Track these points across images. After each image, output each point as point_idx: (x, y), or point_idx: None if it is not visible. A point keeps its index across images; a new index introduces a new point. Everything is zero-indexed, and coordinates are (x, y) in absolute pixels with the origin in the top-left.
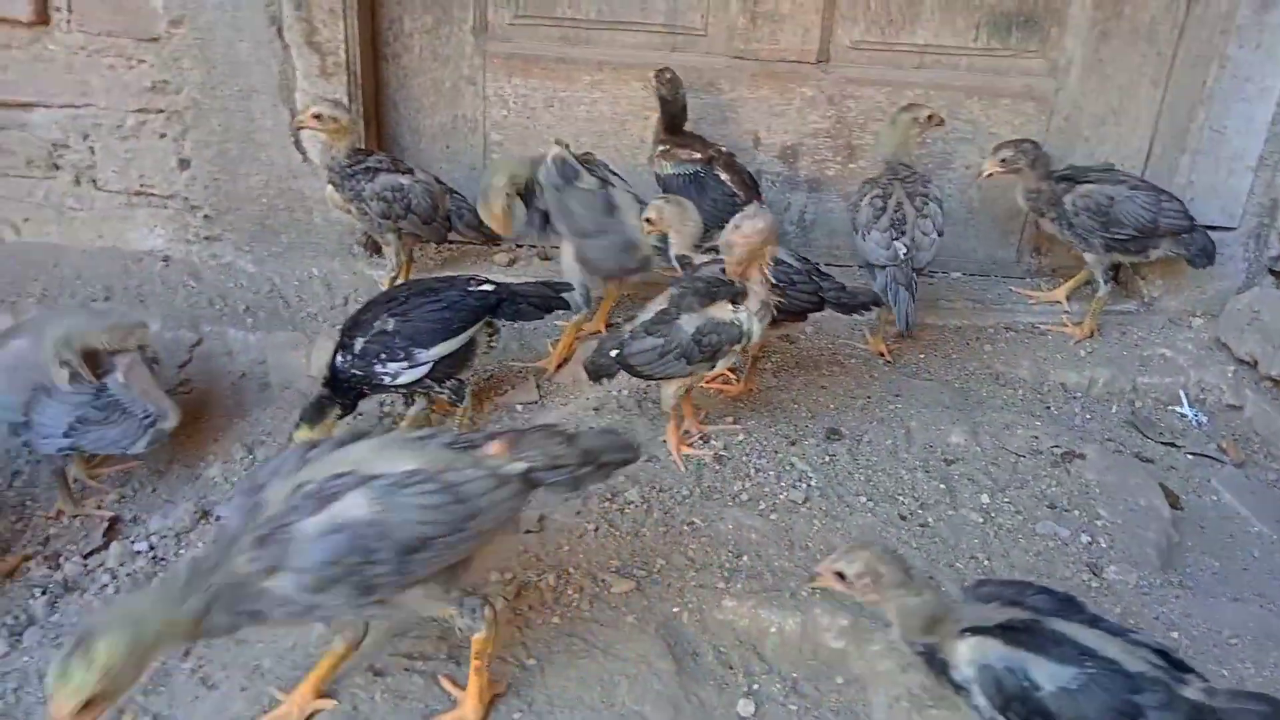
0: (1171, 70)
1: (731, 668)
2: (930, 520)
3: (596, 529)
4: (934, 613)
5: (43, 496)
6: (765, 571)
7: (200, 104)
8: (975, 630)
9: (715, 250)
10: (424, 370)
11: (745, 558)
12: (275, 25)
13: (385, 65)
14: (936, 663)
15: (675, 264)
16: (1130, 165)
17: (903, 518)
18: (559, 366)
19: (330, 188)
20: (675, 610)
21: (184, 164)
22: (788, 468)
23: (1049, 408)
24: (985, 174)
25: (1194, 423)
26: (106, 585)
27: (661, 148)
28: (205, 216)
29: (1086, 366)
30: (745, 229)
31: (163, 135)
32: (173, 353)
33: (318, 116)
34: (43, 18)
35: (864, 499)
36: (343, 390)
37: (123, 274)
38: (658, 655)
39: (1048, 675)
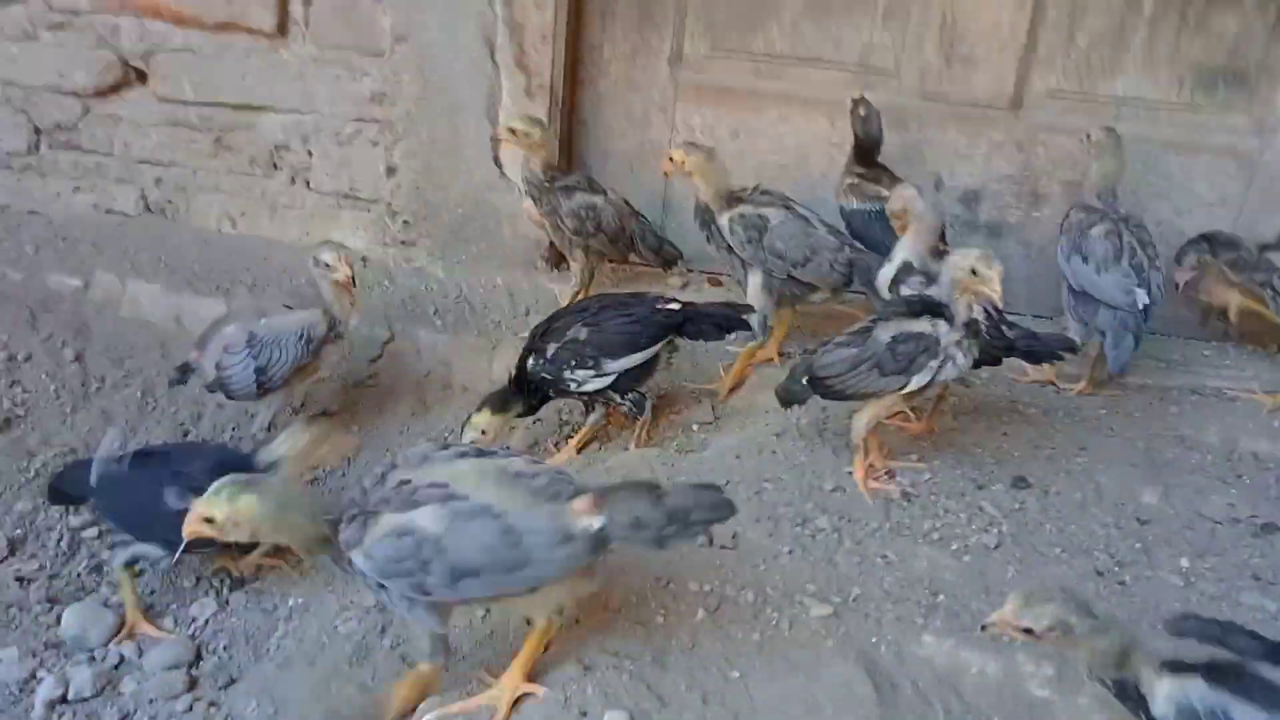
0: None
1: (931, 704)
2: (1128, 579)
3: (790, 552)
4: (1124, 646)
5: None
6: (963, 612)
7: (412, 116)
8: (1177, 668)
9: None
10: (609, 380)
11: (942, 596)
12: (489, 47)
13: (582, 90)
14: (1132, 696)
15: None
16: None
17: (1099, 573)
18: (731, 390)
19: (529, 201)
20: (874, 641)
21: (391, 171)
22: (977, 511)
23: (1241, 476)
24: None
25: None
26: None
27: (849, 180)
28: (405, 222)
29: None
30: (992, 269)
31: (375, 144)
32: (366, 347)
33: (512, 130)
34: (282, 29)
35: (1058, 550)
36: (529, 391)
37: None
38: (859, 682)
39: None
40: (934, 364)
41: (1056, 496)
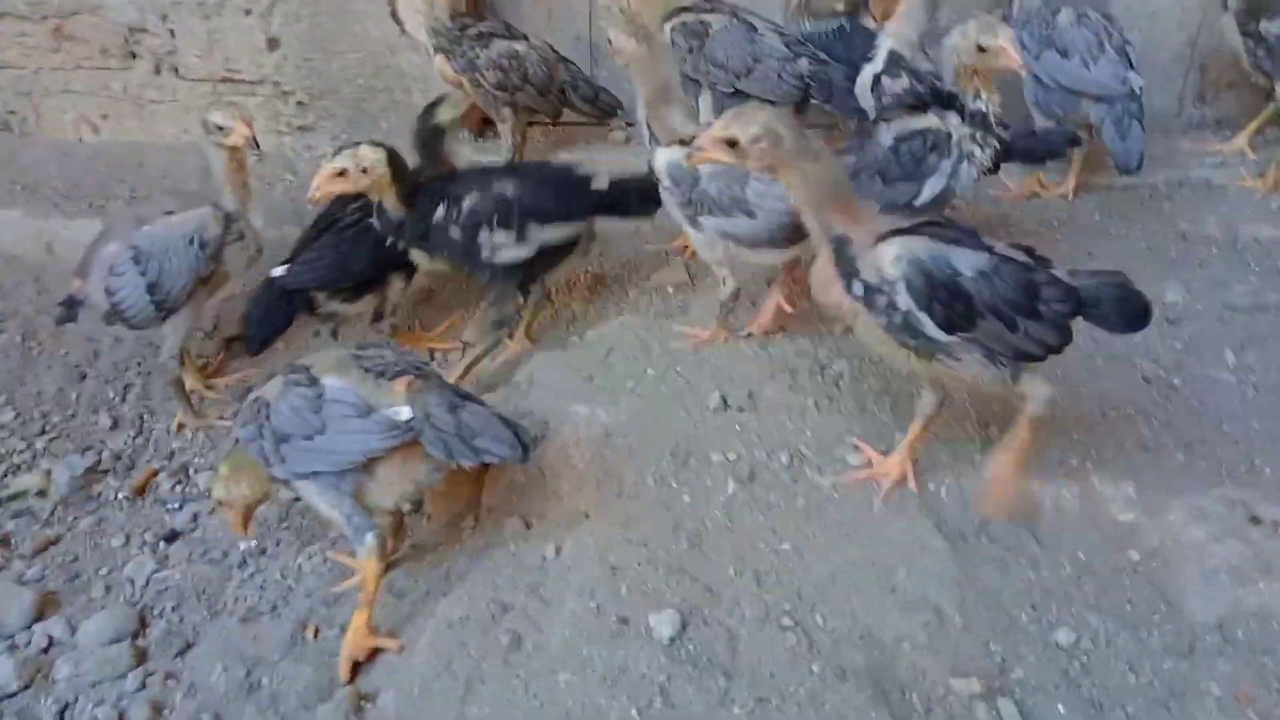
0: None
1: (1009, 548)
2: (1178, 382)
3: (816, 404)
4: (840, 181)
5: (160, 410)
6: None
7: None
8: (897, 232)
9: None
10: (527, 253)
11: (993, 428)
12: None
13: None
14: (845, 264)
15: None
16: None
17: (1146, 380)
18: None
19: (440, 58)
20: (932, 487)
21: (273, 44)
22: None
23: (1249, 264)
24: None
25: None
26: None
27: None
28: (299, 103)
29: None
30: (1000, 37)
31: (248, 11)
32: (278, 252)
33: None
34: None
35: (1099, 360)
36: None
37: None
38: (928, 533)
39: (967, 263)
40: (947, 164)
41: None
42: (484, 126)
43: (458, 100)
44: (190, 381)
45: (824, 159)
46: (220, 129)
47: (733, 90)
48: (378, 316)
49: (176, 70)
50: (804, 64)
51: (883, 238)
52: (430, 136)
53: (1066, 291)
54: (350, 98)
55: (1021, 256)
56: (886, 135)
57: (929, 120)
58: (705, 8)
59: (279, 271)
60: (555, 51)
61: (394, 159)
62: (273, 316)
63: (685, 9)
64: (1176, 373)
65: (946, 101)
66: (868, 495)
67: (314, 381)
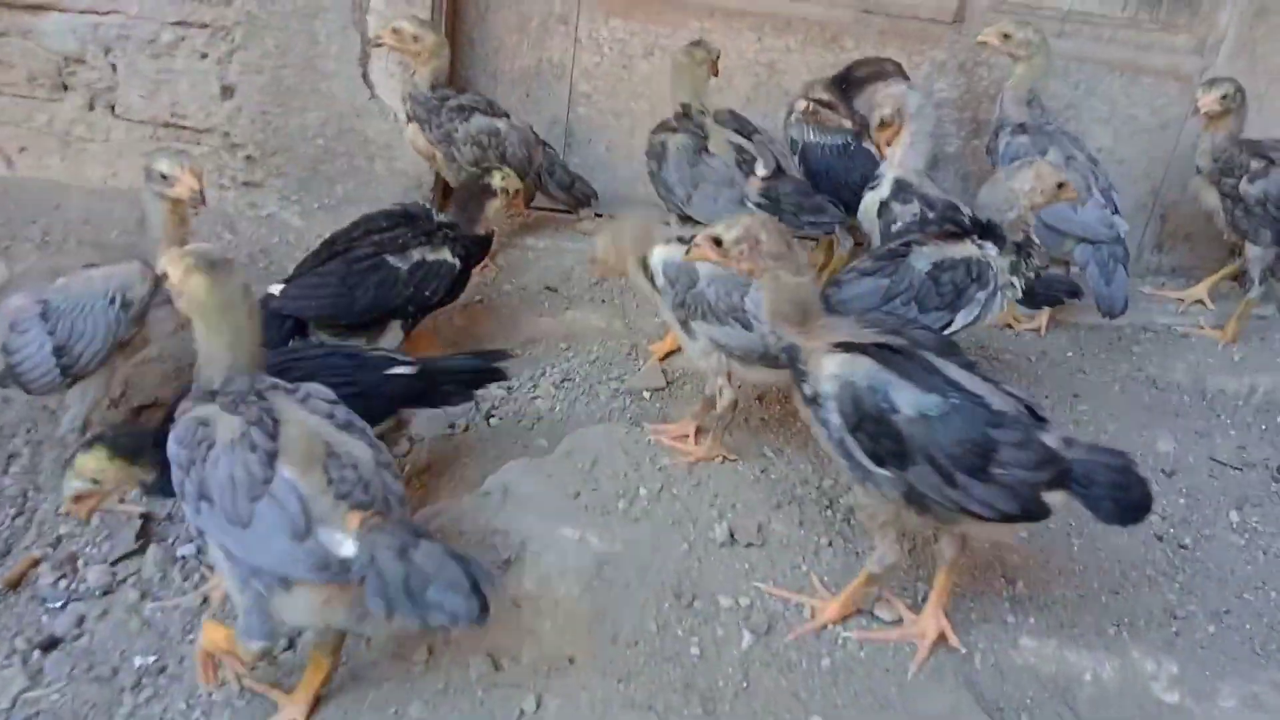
0: None
1: None
2: (1188, 543)
3: (830, 543)
4: (808, 300)
5: (48, 485)
6: (1052, 604)
7: (254, 19)
8: (848, 347)
9: None
10: None
11: (1021, 585)
12: None
13: None
14: (796, 370)
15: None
16: None
17: (1159, 538)
18: (668, 354)
19: (412, 127)
20: (964, 652)
21: (228, 92)
22: None
23: (1220, 416)
24: (1203, 110)
25: None
26: (142, 598)
27: (803, 105)
28: (248, 157)
29: (1244, 373)
30: (1046, 175)
31: (204, 55)
32: None
33: (397, 32)
34: None
35: None
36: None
37: (141, 220)
38: (969, 709)
39: (909, 401)
40: (983, 294)
41: None
42: (444, 202)
43: (513, 175)
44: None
45: (803, 272)
46: (164, 178)
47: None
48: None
49: (113, 109)
50: (752, 187)
51: (832, 349)
52: (476, 192)
53: (1041, 460)
54: (306, 157)
55: (1004, 404)
56: (922, 261)
57: (968, 249)
58: (673, 126)
59: (275, 289)
60: (535, 134)
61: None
62: (273, 343)
63: (662, 125)
64: (1185, 530)
65: (984, 231)
66: (898, 657)
67: (270, 458)
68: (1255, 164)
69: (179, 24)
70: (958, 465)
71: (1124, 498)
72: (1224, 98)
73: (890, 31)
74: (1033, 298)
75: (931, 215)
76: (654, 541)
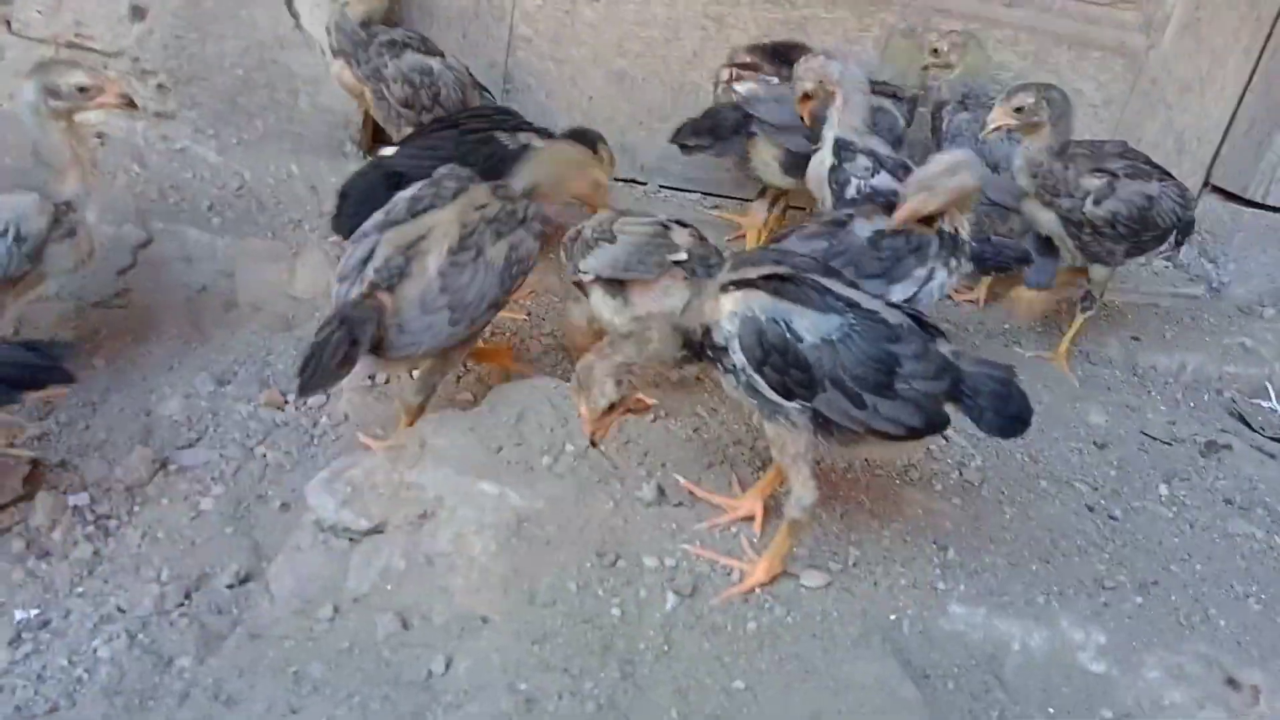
0: (1270, 38)
1: (975, 696)
2: (1118, 514)
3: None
4: (675, 322)
5: None
6: (982, 571)
7: None
8: (738, 284)
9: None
10: None
11: (952, 551)
12: None
13: None
14: (698, 341)
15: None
16: (1205, 138)
17: (1090, 508)
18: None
19: (339, 62)
20: (893, 618)
21: (138, 13)
22: (942, 440)
23: (1150, 391)
24: (993, 127)
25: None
26: (27, 549)
27: (726, 73)
28: (159, 86)
29: (1174, 351)
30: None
31: None
32: (113, 254)
33: None
34: None
35: (1042, 482)
36: None
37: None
38: (897, 679)
39: (810, 326)
40: (921, 273)
41: None
42: (373, 144)
43: None
44: None
45: (664, 317)
46: (83, 90)
47: None
48: None
49: (9, 24)
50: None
51: (724, 288)
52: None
53: (939, 369)
54: (223, 89)
55: (897, 318)
56: (865, 228)
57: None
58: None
59: (388, 151)
60: (472, 76)
61: None
62: (373, 200)
63: None
64: (1115, 502)
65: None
66: (826, 622)
67: None
68: (1095, 182)
69: None
70: (864, 385)
71: (1005, 408)
72: (1018, 111)
73: None
74: (982, 263)
75: (884, 170)
76: (578, 499)
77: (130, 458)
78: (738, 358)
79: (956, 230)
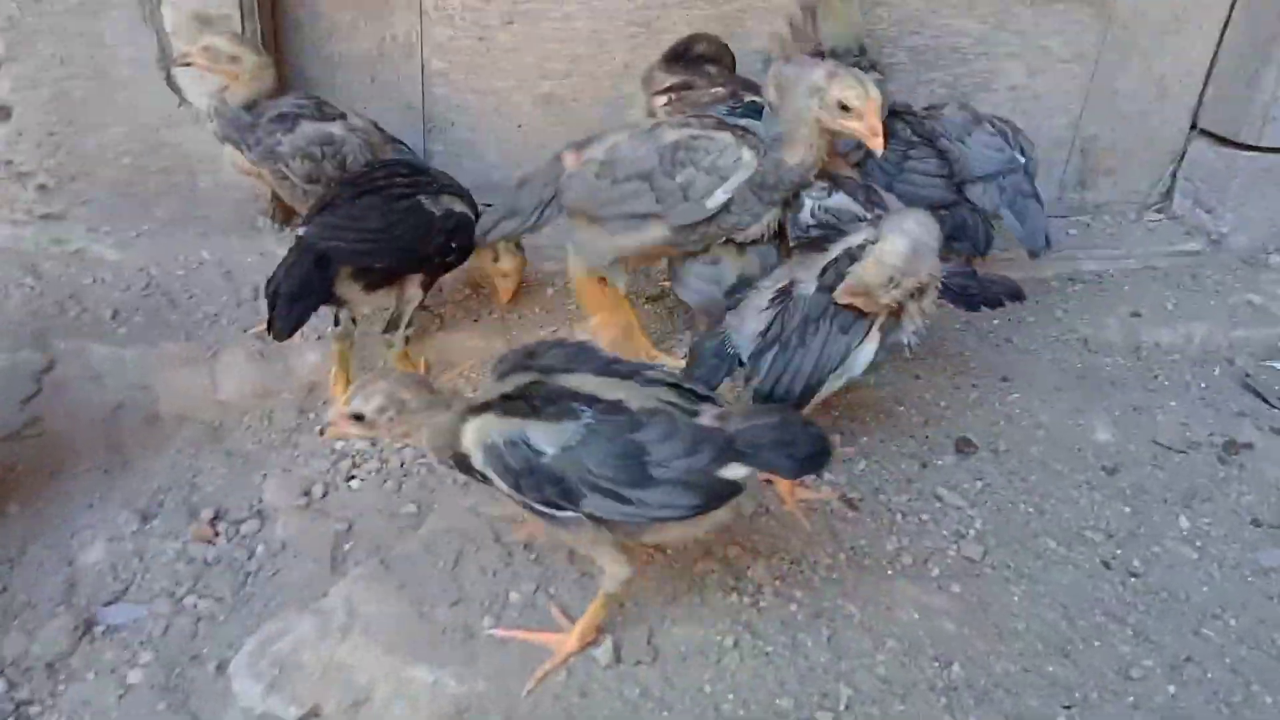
0: None
1: None
2: (1138, 565)
3: (735, 644)
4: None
5: None
6: (994, 688)
7: (19, 24)
8: (476, 410)
9: None
10: None
11: (957, 667)
12: None
13: None
14: (466, 464)
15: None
16: (1188, 80)
17: (1106, 565)
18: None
19: (228, 147)
20: None
21: (3, 113)
22: (937, 504)
23: (1157, 376)
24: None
25: None
26: None
27: (663, 101)
28: (40, 186)
29: (1178, 322)
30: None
31: None
32: (12, 383)
33: (209, 50)
34: None
35: (1051, 542)
36: None
37: None
38: None
39: (547, 438)
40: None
41: (1013, 458)
42: (290, 216)
43: None
44: None
45: (450, 404)
46: None
47: None
48: (391, 326)
49: None
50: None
51: (465, 415)
52: None
53: (694, 443)
54: (113, 180)
55: (641, 401)
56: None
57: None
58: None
59: (306, 231)
60: (381, 130)
61: None
62: (308, 290)
63: None
64: (1134, 548)
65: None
66: None
67: None
68: None
69: None
70: (618, 483)
71: (795, 453)
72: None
73: None
74: (969, 301)
75: (841, 191)
76: (524, 669)
77: (51, 626)
78: (499, 483)
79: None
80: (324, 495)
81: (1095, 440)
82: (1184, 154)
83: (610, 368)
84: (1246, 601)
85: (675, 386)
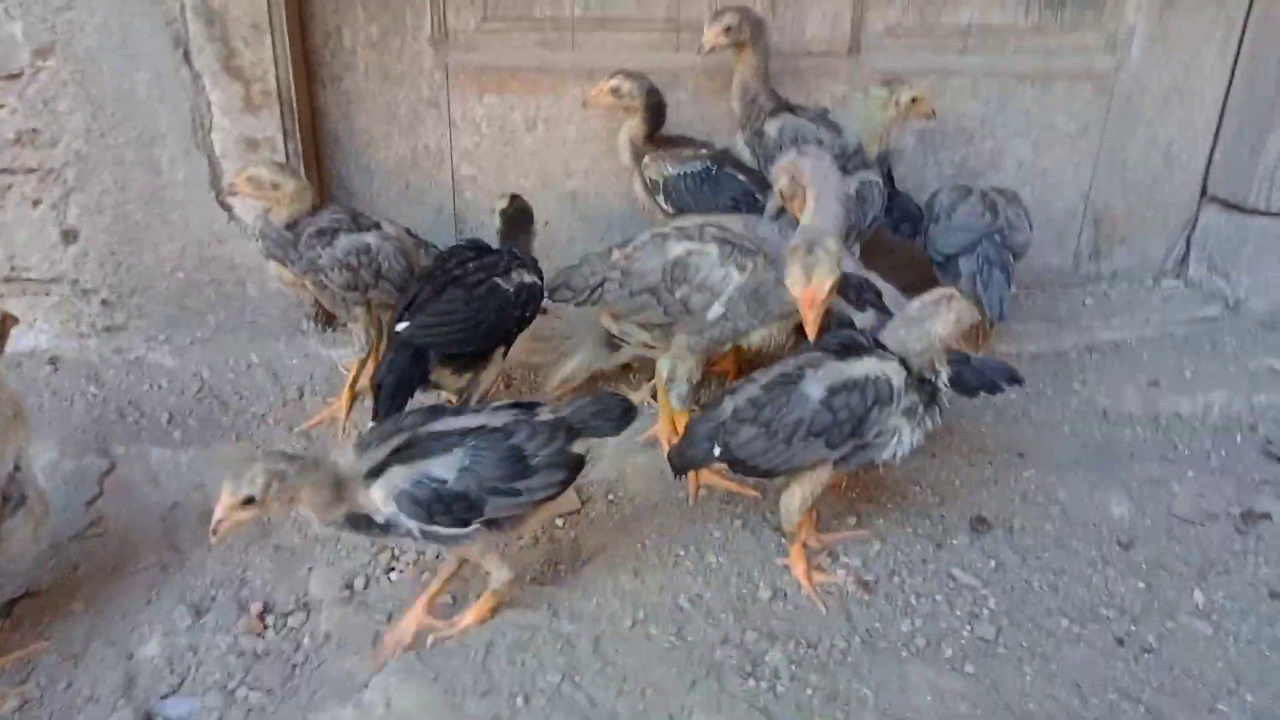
0: (1244, 36)
1: None
2: (1152, 641)
3: None
4: (338, 474)
5: None
6: None
7: (85, 157)
8: (375, 471)
9: None
10: None
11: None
12: (181, 48)
13: (323, 91)
14: (361, 522)
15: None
16: (1194, 148)
17: (1120, 642)
18: None
19: (273, 263)
20: None
21: (69, 236)
22: (950, 584)
23: (1176, 446)
24: (706, 49)
25: None
26: None
27: (651, 153)
28: (103, 302)
29: (1197, 390)
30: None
31: (37, 202)
32: (77, 486)
33: (253, 180)
34: None
35: (1065, 621)
36: None
37: None
38: None
39: (446, 466)
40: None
41: (1027, 536)
42: (330, 320)
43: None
44: None
45: (320, 463)
46: None
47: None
48: (464, 399)
49: None
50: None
51: (365, 480)
52: (524, 215)
53: (551, 432)
54: (169, 293)
55: (499, 419)
56: (816, 387)
57: (867, 366)
58: None
59: (403, 326)
60: (414, 236)
61: None
62: (409, 378)
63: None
64: (1147, 624)
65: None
66: None
67: None
68: None
69: (3, 172)
70: (509, 478)
71: (611, 415)
72: (727, 29)
73: (784, 70)
74: (967, 387)
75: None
76: None
77: (113, 717)
78: (411, 524)
79: (936, 375)
80: (365, 587)
81: (1111, 515)
82: (1196, 220)
83: (460, 411)
84: (1264, 676)
85: (511, 405)
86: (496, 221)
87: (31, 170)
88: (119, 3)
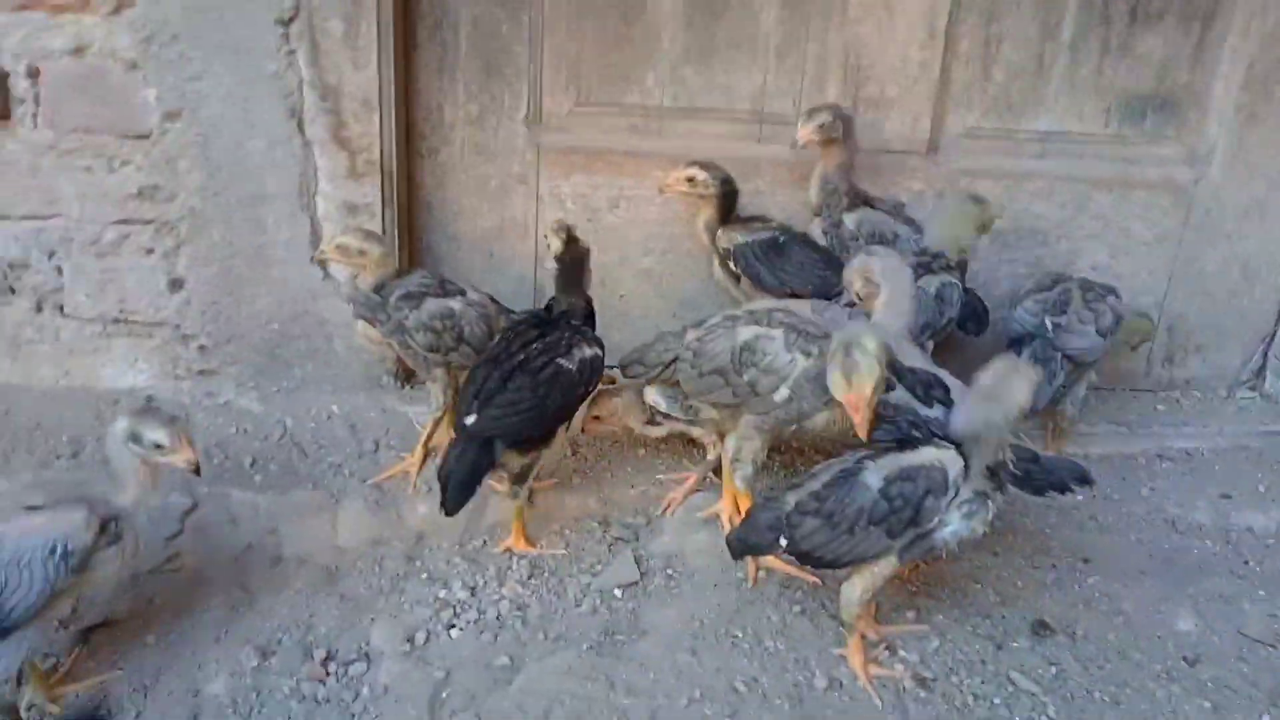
0: None
1: None
2: None
3: None
4: None
5: None
6: None
7: (199, 213)
8: None
9: None
10: None
11: None
12: (295, 119)
13: (421, 163)
14: None
15: None
16: (1273, 263)
17: None
18: None
19: (361, 323)
20: None
21: (176, 285)
22: (1009, 688)
23: (1248, 563)
24: (801, 144)
25: None
26: None
27: (721, 232)
28: (200, 348)
29: (1271, 506)
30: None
31: (150, 251)
32: (160, 522)
33: (342, 249)
34: (3, 111)
35: None
36: None
37: (95, 421)
38: None
39: None
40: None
41: (1090, 645)
42: (410, 376)
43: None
44: (31, 693)
45: None
46: (158, 447)
47: None
48: (520, 478)
49: (61, 309)
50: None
51: None
52: (578, 260)
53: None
54: (261, 343)
55: None
56: (874, 477)
57: (924, 456)
58: None
59: (472, 420)
60: (497, 303)
61: None
62: (477, 469)
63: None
64: None
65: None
66: None
67: None
68: None
69: (122, 222)
70: None
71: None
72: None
73: (864, 166)
74: (1035, 485)
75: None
76: None
77: None
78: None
79: (1001, 464)
80: (425, 642)
81: (1178, 629)
82: (1275, 334)
83: None
84: None
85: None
86: (550, 262)
87: (149, 222)
88: (244, 75)
